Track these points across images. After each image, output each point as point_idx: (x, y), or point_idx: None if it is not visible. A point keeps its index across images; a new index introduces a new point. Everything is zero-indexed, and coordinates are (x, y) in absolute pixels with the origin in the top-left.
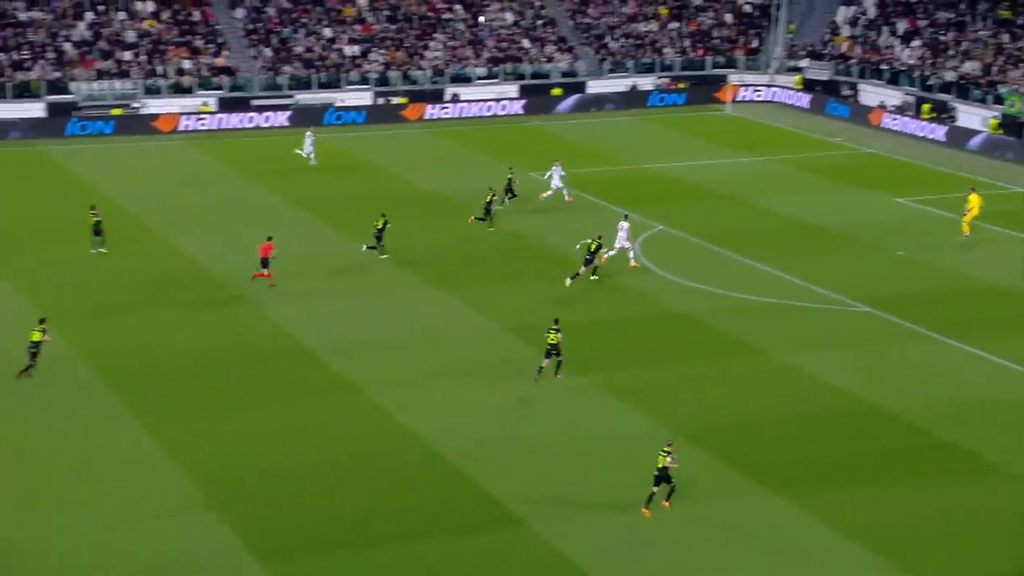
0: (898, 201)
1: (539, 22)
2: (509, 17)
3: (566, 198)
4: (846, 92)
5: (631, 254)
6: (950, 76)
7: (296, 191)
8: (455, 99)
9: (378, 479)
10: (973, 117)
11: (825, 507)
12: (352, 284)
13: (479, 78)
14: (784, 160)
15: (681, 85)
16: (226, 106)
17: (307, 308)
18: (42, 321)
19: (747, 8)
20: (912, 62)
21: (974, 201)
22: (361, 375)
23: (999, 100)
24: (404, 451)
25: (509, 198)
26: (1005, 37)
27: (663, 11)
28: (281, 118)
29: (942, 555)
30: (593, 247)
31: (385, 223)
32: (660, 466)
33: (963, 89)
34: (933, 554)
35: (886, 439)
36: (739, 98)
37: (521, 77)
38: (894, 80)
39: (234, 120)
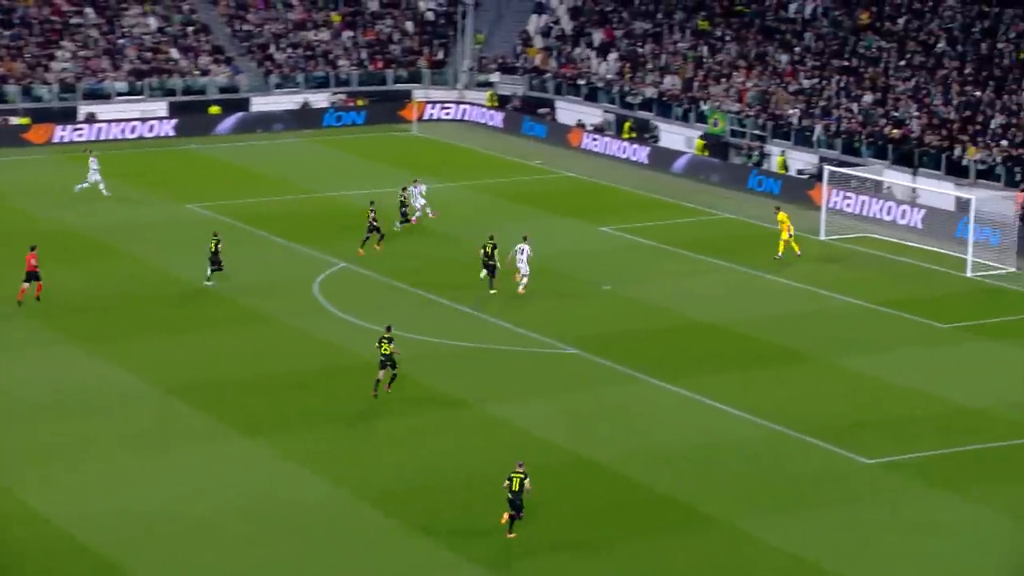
0: (602, 230)
1: (189, 29)
2: (153, 23)
3: (430, 213)
4: (542, 110)
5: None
6: (650, 92)
7: None
8: (91, 119)
9: None
10: (676, 137)
11: (531, 572)
12: None
13: (120, 94)
14: (478, 186)
15: (360, 102)
16: None
17: None
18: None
19: (430, 15)
20: (610, 77)
21: (784, 219)
22: None
23: (702, 118)
24: (34, 540)
25: (401, 222)
26: (704, 50)
27: (335, 17)
28: None
29: None
30: (489, 249)
31: (218, 243)
32: (515, 489)
33: (664, 106)
34: None
35: (597, 494)
36: (426, 116)
37: (171, 93)
38: (592, 97)
39: None
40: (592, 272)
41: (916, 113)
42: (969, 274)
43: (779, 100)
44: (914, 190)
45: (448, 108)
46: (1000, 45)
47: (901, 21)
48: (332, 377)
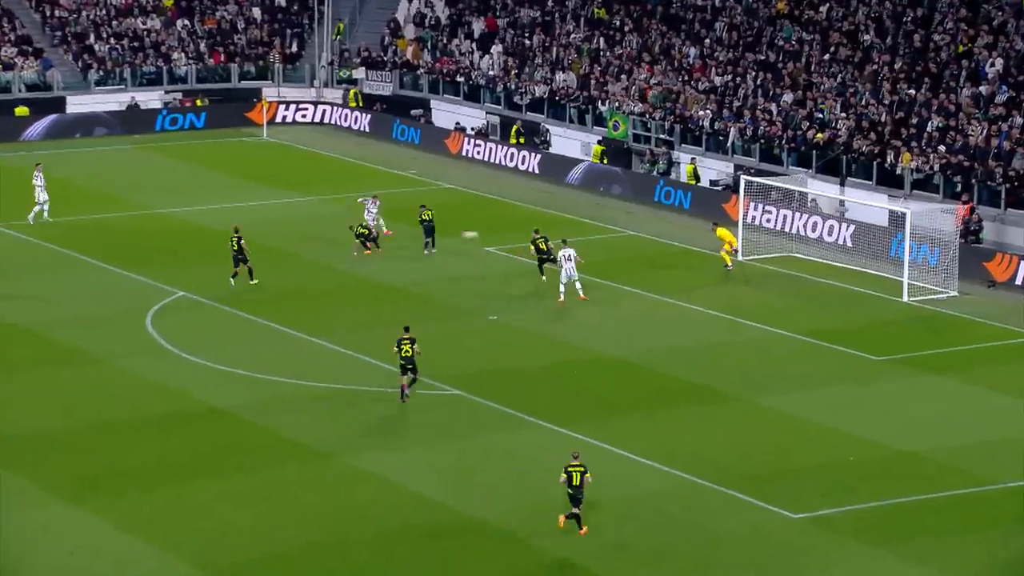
0: (488, 251)
1: None
2: None
3: (384, 231)
4: (415, 111)
5: (578, 285)
6: (540, 91)
7: None
8: None
9: None
10: (571, 142)
11: None
12: None
13: None
14: (341, 200)
15: (200, 102)
16: None
17: None
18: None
19: (281, 1)
20: (493, 73)
21: (723, 235)
22: None
23: (600, 121)
24: None
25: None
26: (601, 42)
27: (168, 2)
28: None
29: None
30: (542, 245)
31: (239, 239)
32: (576, 484)
33: (557, 107)
34: None
35: (483, 559)
36: (278, 119)
37: None
38: (473, 96)
39: None
40: (476, 300)
41: (842, 114)
42: (905, 299)
43: (688, 100)
44: (842, 203)
45: (304, 109)
46: (936, 37)
47: (823, 9)
48: (169, 427)
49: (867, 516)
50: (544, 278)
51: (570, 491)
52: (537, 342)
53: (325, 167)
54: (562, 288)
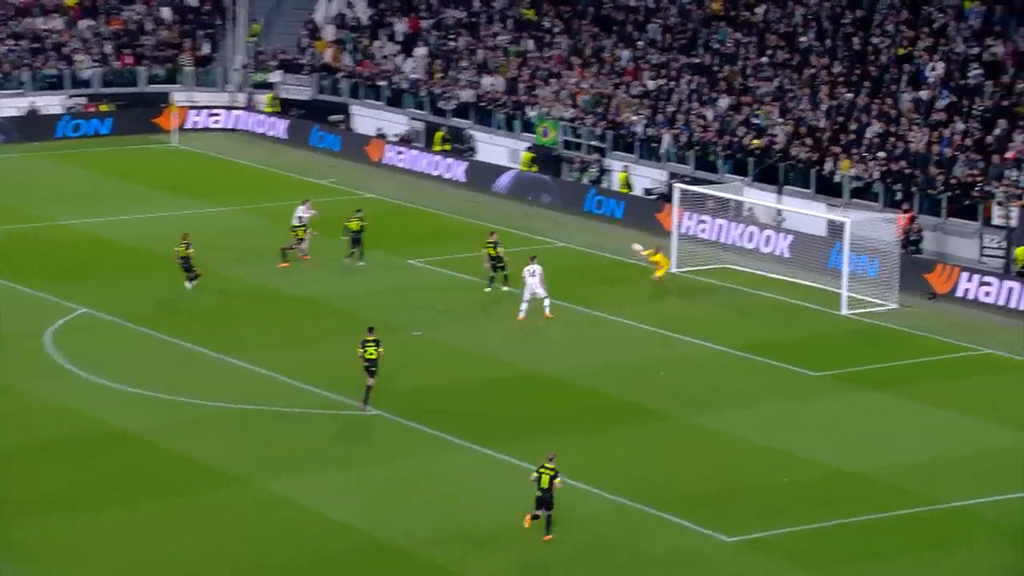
0: (411, 263)
1: None
2: None
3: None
4: (335, 117)
5: (546, 301)
6: (466, 95)
7: None
8: None
9: None
10: (498, 149)
11: None
12: None
13: None
14: (256, 210)
15: (104, 107)
16: None
17: None
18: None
19: (192, 1)
20: (416, 76)
21: (658, 260)
22: None
23: (529, 127)
24: None
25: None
26: (530, 44)
27: (70, 1)
28: None
29: None
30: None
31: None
32: (544, 487)
33: (483, 113)
34: None
35: None
36: (189, 124)
37: None
38: (395, 101)
39: None
40: (399, 314)
41: (780, 120)
42: (844, 312)
43: (620, 105)
44: (779, 212)
45: (217, 115)
46: (875, 40)
47: (760, 11)
48: (72, 452)
49: (805, 539)
50: (489, 289)
51: (539, 493)
52: (463, 359)
53: (239, 176)
54: (524, 306)
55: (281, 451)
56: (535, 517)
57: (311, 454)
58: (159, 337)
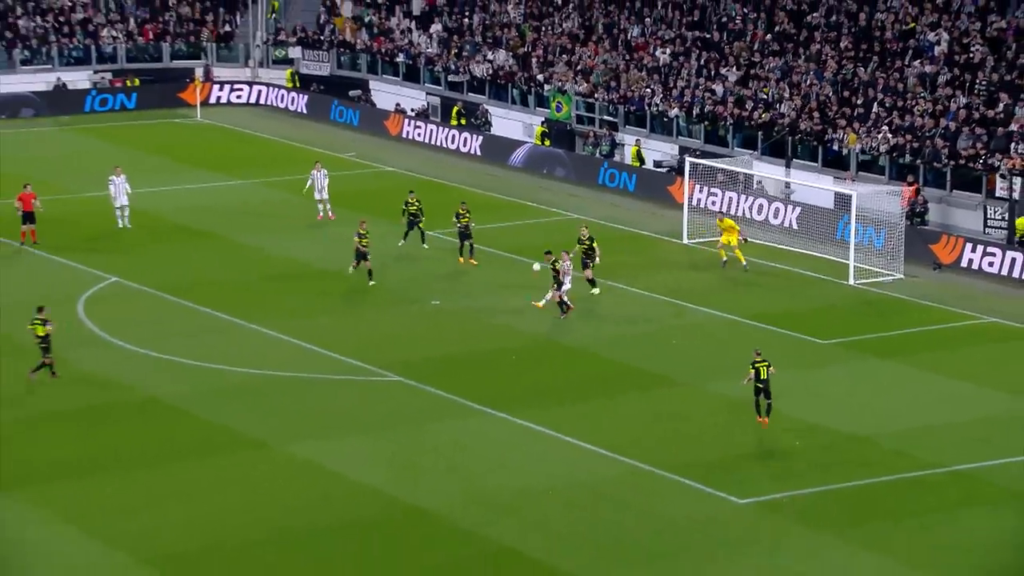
0: (430, 235)
1: None
2: None
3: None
4: (354, 92)
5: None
6: (480, 71)
7: None
8: None
9: None
10: (513, 124)
11: None
12: None
13: None
14: (278, 183)
15: (130, 83)
16: None
17: None
18: (40, 310)
19: None
20: (432, 52)
21: (726, 226)
22: None
23: (543, 102)
24: None
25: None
26: (543, 20)
27: None
28: None
29: None
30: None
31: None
32: (764, 377)
33: (499, 88)
34: None
35: (428, 549)
36: (212, 100)
37: None
38: (413, 76)
39: None
40: (419, 285)
41: (787, 95)
42: (851, 282)
43: (631, 79)
44: (788, 185)
45: (239, 90)
46: (880, 15)
47: None
48: (104, 418)
49: (814, 501)
50: (462, 260)
51: (759, 385)
52: (480, 328)
53: (262, 149)
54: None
55: (307, 416)
56: (768, 409)
57: (336, 419)
58: (187, 305)
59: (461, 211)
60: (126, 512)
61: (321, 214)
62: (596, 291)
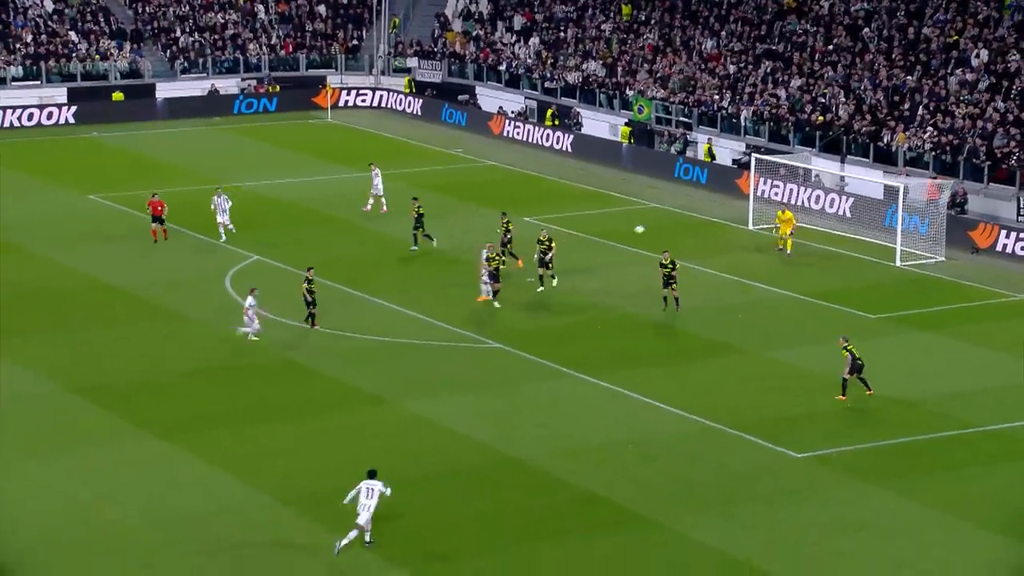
0: (526, 220)
1: (88, 10)
2: (49, 5)
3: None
4: (462, 97)
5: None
6: (572, 78)
7: None
8: None
9: None
10: (600, 124)
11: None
12: None
13: (14, 79)
14: (396, 175)
15: (272, 89)
16: None
17: None
18: (309, 270)
19: None
20: (531, 61)
21: (785, 218)
22: None
23: (626, 105)
24: None
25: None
26: (628, 35)
27: None
28: None
29: None
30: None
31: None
32: (858, 357)
33: (588, 93)
34: None
35: (525, 494)
36: (341, 103)
37: (71, 78)
38: (513, 83)
39: None
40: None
41: (843, 99)
42: (898, 264)
43: (705, 86)
44: (842, 178)
45: (364, 95)
46: (926, 30)
47: (826, 4)
48: (247, 376)
49: (863, 456)
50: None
51: (859, 361)
52: (570, 302)
53: (383, 146)
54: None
55: (420, 378)
56: (866, 386)
57: (445, 381)
58: (319, 280)
59: (542, 238)
60: (267, 458)
61: (369, 207)
62: (555, 282)
